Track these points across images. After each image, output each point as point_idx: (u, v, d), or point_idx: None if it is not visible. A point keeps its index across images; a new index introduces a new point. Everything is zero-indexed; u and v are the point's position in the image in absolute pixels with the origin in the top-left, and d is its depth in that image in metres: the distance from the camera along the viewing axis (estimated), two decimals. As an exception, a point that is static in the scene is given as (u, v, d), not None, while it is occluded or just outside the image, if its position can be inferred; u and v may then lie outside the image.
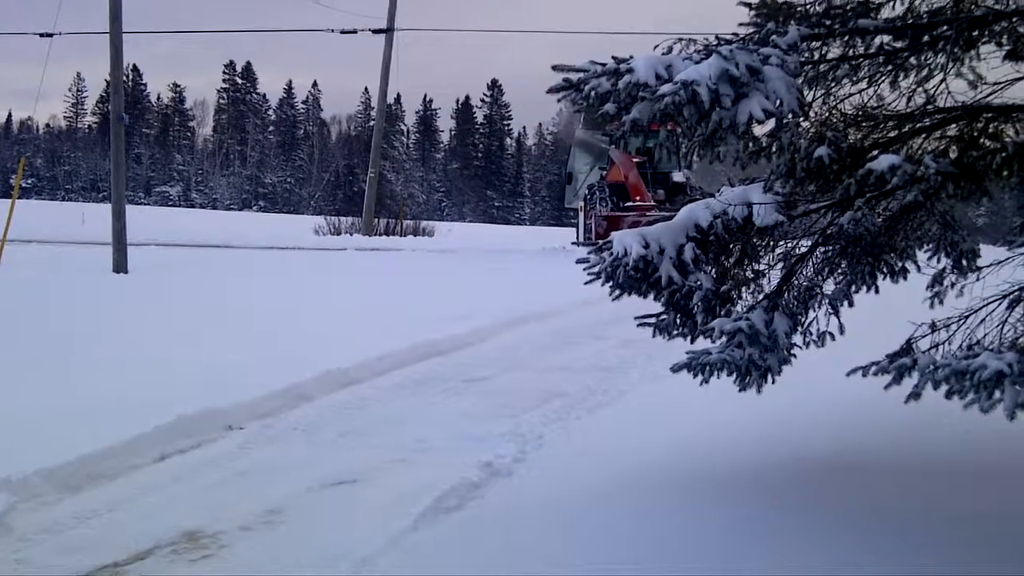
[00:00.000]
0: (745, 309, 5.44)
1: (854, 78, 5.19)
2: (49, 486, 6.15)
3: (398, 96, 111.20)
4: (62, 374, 9.01)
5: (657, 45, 4.95)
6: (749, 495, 5.72)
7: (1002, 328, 5.01)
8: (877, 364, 5.01)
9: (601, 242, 5.55)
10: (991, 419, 4.38)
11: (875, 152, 4.94)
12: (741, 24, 5.03)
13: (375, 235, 37.13)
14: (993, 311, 5.11)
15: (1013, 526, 5.04)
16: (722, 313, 5.44)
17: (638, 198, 29.31)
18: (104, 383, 8.61)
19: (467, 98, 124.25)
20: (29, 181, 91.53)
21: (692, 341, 5.56)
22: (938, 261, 5.62)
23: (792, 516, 5.31)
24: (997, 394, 4.25)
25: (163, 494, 6.25)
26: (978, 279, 5.46)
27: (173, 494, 6.25)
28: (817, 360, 5.66)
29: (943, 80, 5.06)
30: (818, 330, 5.54)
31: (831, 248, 5.53)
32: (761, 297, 5.53)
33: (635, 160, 30.28)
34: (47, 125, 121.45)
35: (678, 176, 30.40)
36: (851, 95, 5.23)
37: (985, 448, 6.13)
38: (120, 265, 20.08)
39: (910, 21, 5.02)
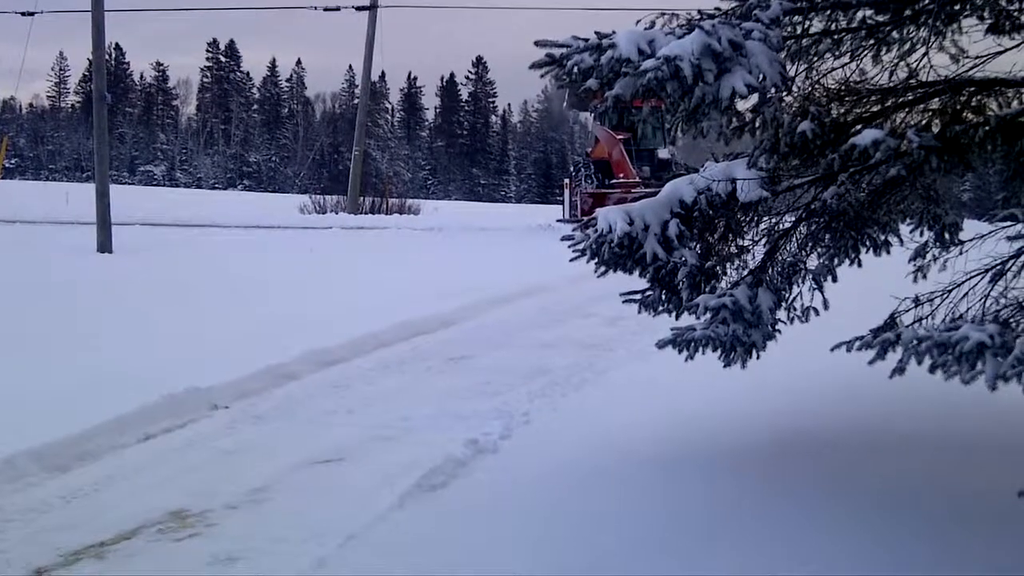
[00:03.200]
0: (729, 285, 5.45)
1: (836, 52, 5.19)
2: (35, 466, 6.14)
3: (382, 74, 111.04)
4: (46, 354, 9.00)
5: (639, 20, 4.94)
6: (737, 470, 5.74)
7: (984, 302, 5.03)
8: (861, 339, 5.02)
9: (586, 219, 5.55)
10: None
11: (858, 127, 4.94)
12: (723, -2, 5.02)
13: (361, 213, 37.03)
14: (976, 285, 5.13)
15: (998, 502, 5.07)
16: (707, 289, 5.45)
17: (622, 175, 29.29)
18: (88, 363, 8.59)
19: (452, 75, 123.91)
20: (12, 161, 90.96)
21: (677, 317, 5.57)
22: (920, 235, 5.64)
23: (782, 491, 5.33)
24: (979, 365, 4.26)
25: (149, 473, 6.24)
26: (961, 253, 5.47)
27: (159, 473, 6.25)
28: (803, 335, 5.68)
29: (925, 54, 5.07)
30: (802, 305, 5.55)
31: (815, 223, 5.54)
32: (745, 273, 5.54)
33: (619, 137, 30.22)
34: (30, 105, 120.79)
35: (663, 153, 30.32)
36: (834, 70, 5.24)
37: (981, 422, 6.16)
38: (104, 245, 19.99)
39: (892, -6, 5.02)
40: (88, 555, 4.95)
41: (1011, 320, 4.75)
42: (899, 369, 4.73)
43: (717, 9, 4.94)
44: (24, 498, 5.73)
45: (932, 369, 4.48)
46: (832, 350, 5.25)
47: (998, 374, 4.16)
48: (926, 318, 5.14)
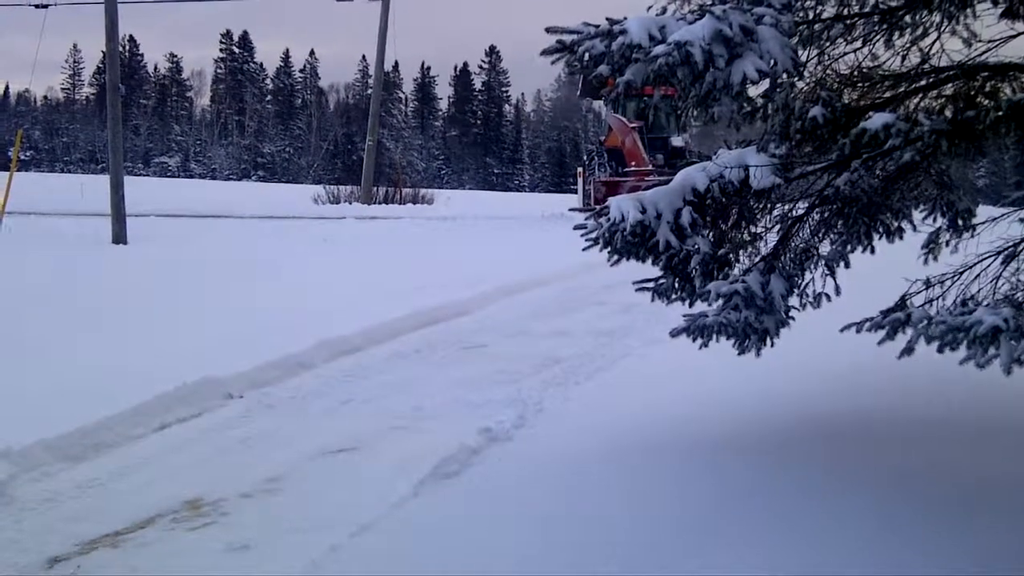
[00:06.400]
0: (742, 272, 5.44)
1: (849, 38, 5.16)
2: (50, 456, 6.17)
3: (396, 64, 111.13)
4: (61, 345, 9.02)
5: (651, 6, 4.93)
6: (749, 457, 5.73)
7: (996, 283, 5.01)
8: (871, 320, 5.01)
9: (599, 207, 5.54)
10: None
11: (870, 113, 4.92)
12: (735, -17, 4.99)
13: (374, 203, 37.04)
14: (988, 267, 5.11)
15: (1015, 489, 5.05)
16: (720, 277, 5.43)
17: (634, 164, 29.23)
18: (104, 353, 8.62)
19: (465, 65, 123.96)
20: (27, 153, 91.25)
21: (690, 305, 5.56)
22: (934, 221, 5.61)
23: (794, 477, 5.32)
24: (993, 349, 4.25)
25: (164, 463, 6.27)
26: (973, 236, 5.45)
27: (174, 463, 6.27)
28: (815, 323, 5.66)
29: (938, 39, 5.04)
30: (814, 291, 5.54)
31: (827, 209, 5.52)
32: (758, 259, 5.52)
33: (632, 125, 30.15)
34: (45, 97, 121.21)
35: (677, 141, 30.23)
36: (846, 55, 5.21)
37: (992, 406, 6.14)
38: (119, 236, 20.04)
39: (906, -21, 4.99)
40: (103, 544, 4.98)
41: (1024, 302, 4.74)
42: (908, 349, 4.72)
43: (729, -6, 4.92)
44: (40, 488, 5.76)
45: (941, 349, 4.47)
46: (842, 331, 5.25)
47: (1013, 358, 4.15)
48: (937, 299, 5.12)
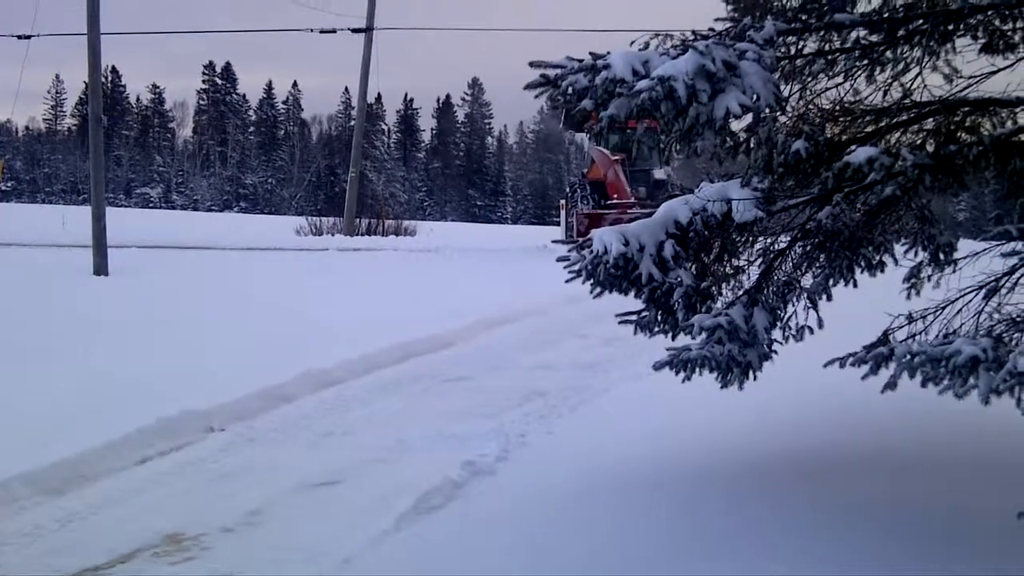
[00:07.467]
0: (725, 305, 5.45)
1: (830, 73, 5.20)
2: (30, 490, 6.13)
3: (379, 95, 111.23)
4: (40, 378, 8.95)
5: (634, 41, 4.95)
6: (732, 489, 5.72)
7: (978, 318, 5.03)
8: (854, 355, 5.02)
9: (581, 240, 5.54)
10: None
11: (853, 147, 4.95)
12: (718, 19, 5.03)
13: (357, 235, 37.00)
14: (970, 302, 5.13)
15: (1006, 521, 5.05)
16: (702, 309, 5.44)
17: (616, 196, 29.28)
18: (83, 386, 8.56)
19: (448, 97, 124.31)
20: (8, 184, 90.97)
21: (673, 338, 5.56)
22: (915, 255, 5.63)
23: (775, 507, 5.31)
24: (972, 380, 4.26)
25: (145, 497, 6.23)
26: (955, 271, 5.47)
27: (155, 497, 6.23)
28: (798, 355, 5.67)
29: (919, 74, 5.08)
30: (797, 324, 5.55)
31: (809, 243, 5.54)
32: (741, 292, 5.54)
33: (615, 158, 30.23)
34: (26, 127, 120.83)
35: (659, 173, 30.29)
36: (828, 90, 5.25)
37: (979, 439, 6.14)
38: (100, 267, 19.94)
39: (886, 15, 5.03)
40: (83, 579, 4.94)
41: (1004, 335, 4.75)
42: (891, 384, 4.72)
43: (711, 30, 4.95)
44: (20, 522, 5.72)
45: (924, 383, 4.48)
46: (825, 366, 5.25)
47: (991, 388, 4.16)
48: (919, 334, 5.14)
